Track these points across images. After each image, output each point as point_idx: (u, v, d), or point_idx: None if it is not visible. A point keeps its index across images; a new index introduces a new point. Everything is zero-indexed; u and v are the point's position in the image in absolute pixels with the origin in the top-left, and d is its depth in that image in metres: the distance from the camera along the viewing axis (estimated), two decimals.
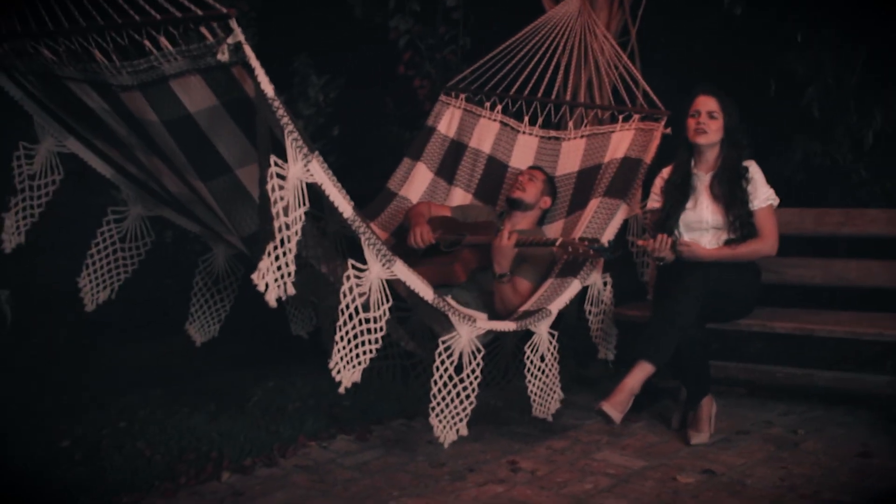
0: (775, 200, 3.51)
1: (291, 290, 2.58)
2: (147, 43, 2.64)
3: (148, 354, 4.48)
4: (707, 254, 3.42)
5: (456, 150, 4.28)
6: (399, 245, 3.81)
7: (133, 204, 3.56)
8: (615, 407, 3.18)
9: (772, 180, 3.54)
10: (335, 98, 4.94)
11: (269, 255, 2.54)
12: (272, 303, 2.54)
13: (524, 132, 4.26)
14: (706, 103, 3.48)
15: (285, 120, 2.58)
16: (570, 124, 4.19)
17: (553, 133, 4.22)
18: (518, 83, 4.25)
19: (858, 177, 4.61)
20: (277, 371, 4.13)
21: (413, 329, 3.12)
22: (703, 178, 3.55)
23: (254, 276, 2.52)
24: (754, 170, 3.51)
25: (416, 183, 4.20)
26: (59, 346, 4.44)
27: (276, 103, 2.57)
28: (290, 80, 4.90)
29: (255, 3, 4.81)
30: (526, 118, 4.25)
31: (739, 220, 3.46)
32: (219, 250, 3.78)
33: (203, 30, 2.56)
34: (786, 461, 3.16)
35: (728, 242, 3.47)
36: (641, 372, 3.24)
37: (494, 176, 4.20)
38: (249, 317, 3.98)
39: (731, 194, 3.47)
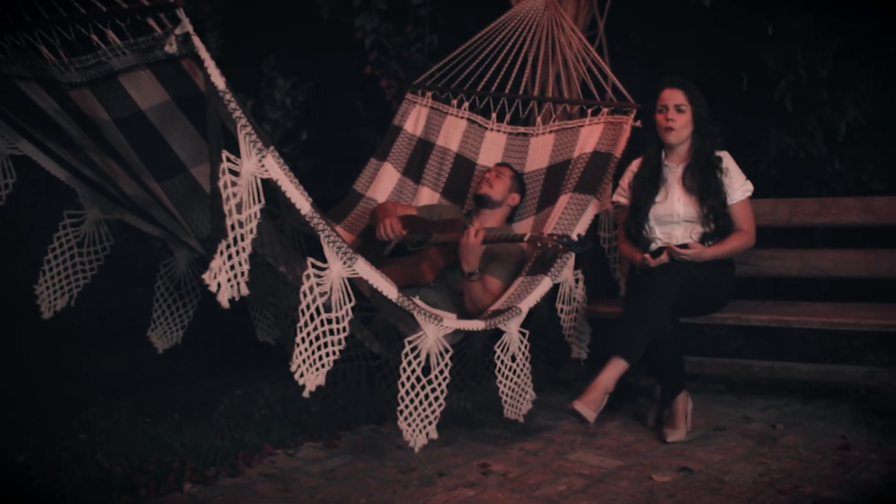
0: (751, 190, 3.44)
1: (245, 291, 2.50)
2: (94, 37, 2.56)
3: (115, 364, 4.37)
4: (709, 253, 3.33)
5: (423, 148, 4.20)
6: (365, 245, 3.72)
7: (89, 207, 3.47)
8: (588, 406, 3.09)
9: (746, 175, 3.47)
10: (304, 101, 4.85)
11: (222, 254, 2.46)
12: (224, 303, 2.46)
13: (492, 129, 4.18)
14: (672, 97, 3.40)
15: (238, 113, 2.50)
16: (539, 120, 4.11)
17: (521, 129, 4.14)
18: (485, 79, 4.17)
19: (832, 168, 4.56)
20: (245, 378, 4.03)
21: (377, 329, 3.03)
22: (674, 170, 3.47)
23: (205, 276, 2.43)
24: (728, 161, 3.44)
25: (383, 183, 4.11)
26: (23, 357, 4.31)
27: (228, 96, 2.49)
28: (257, 84, 4.82)
29: (220, 4, 4.72)
30: (493, 115, 4.17)
31: (714, 213, 3.38)
32: (180, 254, 3.69)
33: (150, 21, 2.48)
34: (765, 456, 3.10)
35: (704, 236, 3.39)
36: (615, 369, 3.15)
37: (462, 174, 4.12)
38: (218, 324, 3.88)
39: (705, 186, 3.39)
